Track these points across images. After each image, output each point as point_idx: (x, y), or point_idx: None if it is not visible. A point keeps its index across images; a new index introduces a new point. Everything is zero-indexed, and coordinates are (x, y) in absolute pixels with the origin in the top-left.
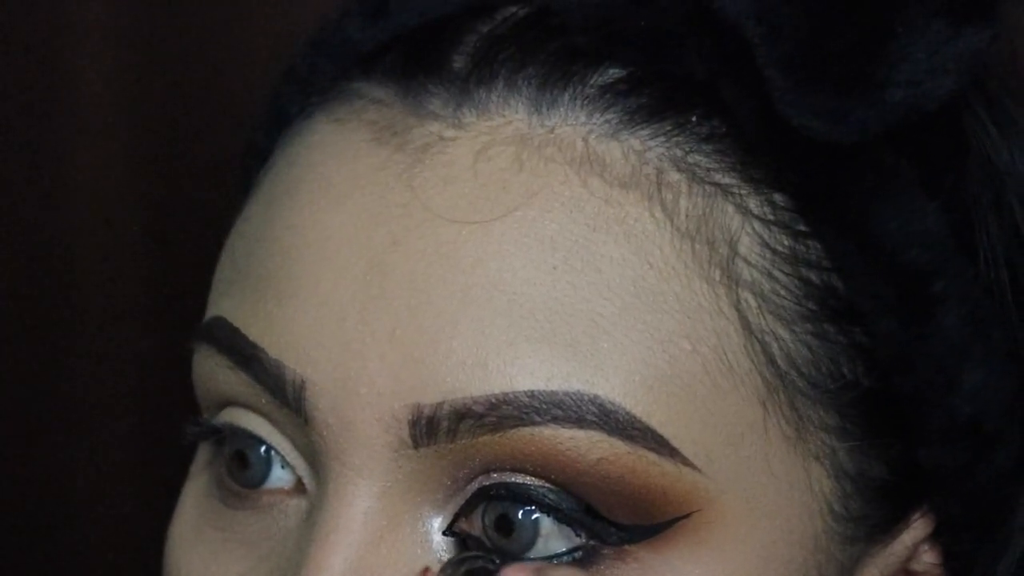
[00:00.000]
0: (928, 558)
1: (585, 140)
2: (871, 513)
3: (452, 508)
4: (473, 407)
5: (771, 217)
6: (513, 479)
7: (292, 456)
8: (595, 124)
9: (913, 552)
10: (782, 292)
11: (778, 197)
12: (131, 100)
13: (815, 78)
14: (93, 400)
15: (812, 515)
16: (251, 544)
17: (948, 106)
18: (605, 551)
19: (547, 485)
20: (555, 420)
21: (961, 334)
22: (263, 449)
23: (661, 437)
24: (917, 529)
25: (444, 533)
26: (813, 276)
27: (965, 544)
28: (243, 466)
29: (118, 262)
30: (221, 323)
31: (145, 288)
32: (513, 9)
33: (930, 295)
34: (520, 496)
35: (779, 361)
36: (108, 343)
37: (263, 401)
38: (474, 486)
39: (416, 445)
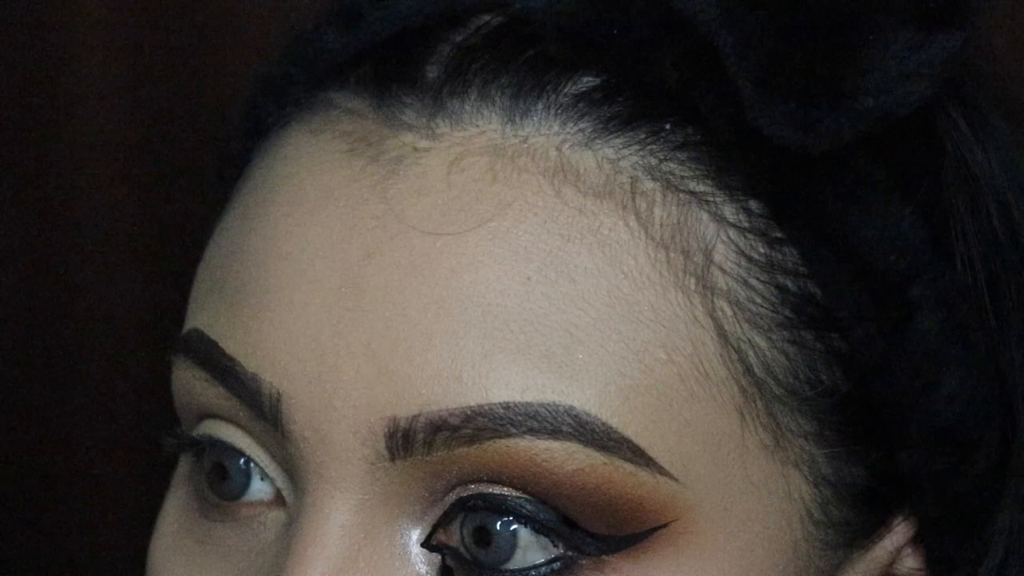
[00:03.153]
0: (911, 562)
1: (559, 149)
2: (852, 519)
3: (430, 520)
4: (449, 419)
5: (746, 224)
6: (491, 490)
7: (271, 468)
8: (568, 133)
9: (895, 556)
10: (758, 300)
11: (753, 204)
12: (131, 100)
13: (785, 87)
14: (93, 400)
15: (792, 522)
16: (230, 557)
17: (921, 111)
18: (583, 562)
19: (524, 496)
20: (531, 432)
21: (939, 339)
22: (242, 461)
23: (637, 447)
24: (899, 534)
25: (422, 545)
26: (789, 283)
27: (947, 548)
28: (222, 478)
29: (118, 263)
30: (198, 335)
31: (145, 288)
32: (486, 18)
33: (907, 300)
34: (498, 507)
35: (756, 369)
36: (108, 344)
37: (241, 414)
38: (452, 497)
39: (392, 458)
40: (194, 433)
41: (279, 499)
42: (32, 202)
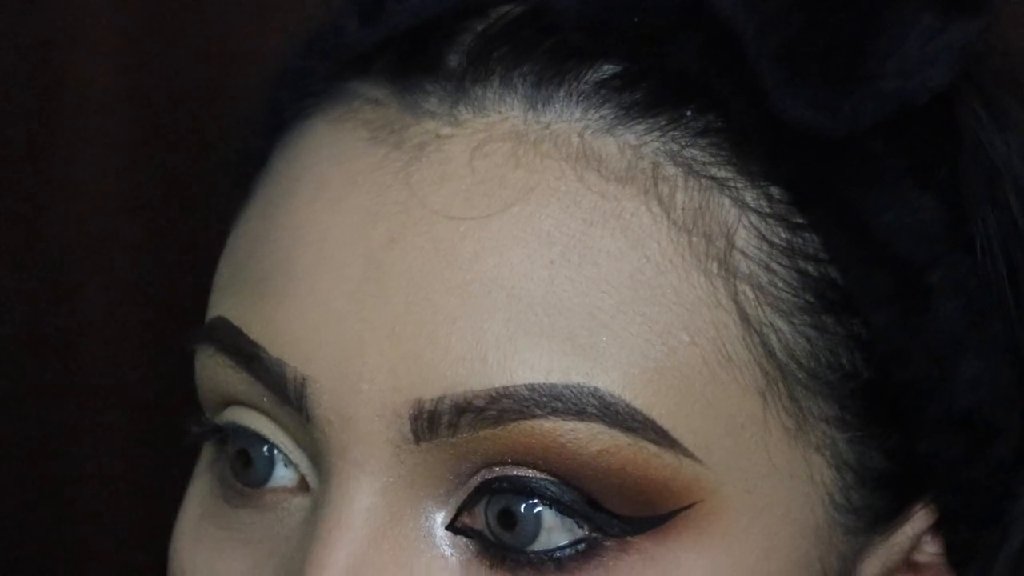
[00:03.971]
0: (930, 549)
1: (581, 136)
2: (872, 504)
3: (455, 503)
4: (474, 401)
5: (767, 210)
6: (515, 472)
7: (295, 454)
8: (590, 120)
9: (915, 543)
10: (780, 284)
11: (774, 190)
12: (131, 100)
13: (807, 71)
14: (92, 400)
15: (814, 506)
16: (254, 543)
17: (940, 98)
18: (608, 543)
19: (549, 478)
20: (555, 413)
21: (958, 325)
22: (266, 448)
23: (661, 428)
24: (919, 520)
25: (447, 528)
26: (810, 268)
27: (966, 534)
28: (246, 465)
29: (118, 263)
30: (222, 323)
31: (145, 289)
32: (507, 8)
33: (927, 286)
34: (522, 489)
35: (778, 352)
36: (107, 343)
37: (264, 400)
38: (476, 480)
39: (417, 440)
40: (217, 420)
41: (303, 485)
42: (31, 201)
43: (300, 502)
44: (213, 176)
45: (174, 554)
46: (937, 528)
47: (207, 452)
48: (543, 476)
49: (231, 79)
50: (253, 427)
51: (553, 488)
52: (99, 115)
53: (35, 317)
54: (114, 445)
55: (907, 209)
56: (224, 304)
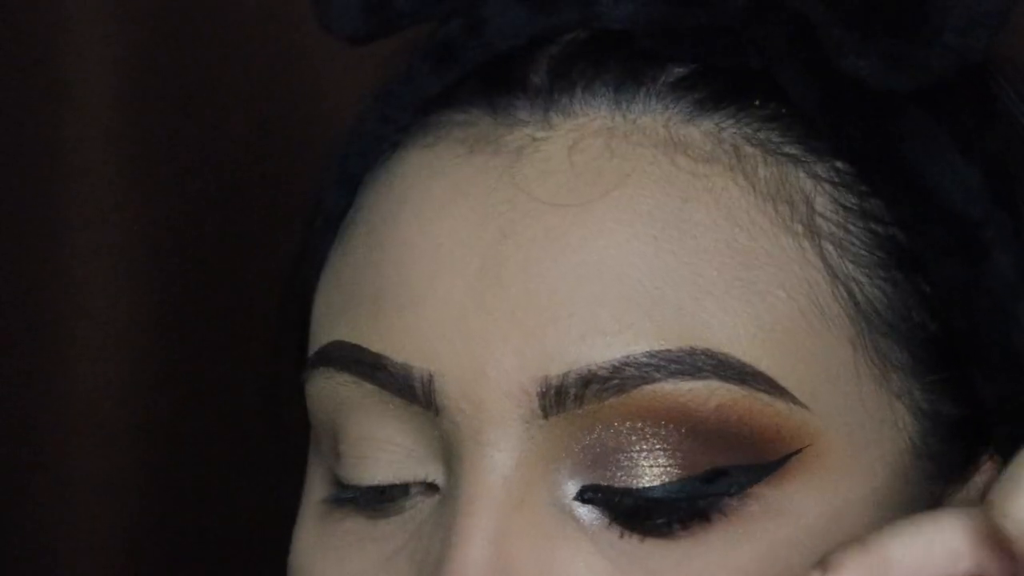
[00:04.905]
0: None
1: (666, 127)
2: (947, 451)
3: (583, 476)
4: (598, 372)
5: (837, 180)
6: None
7: (417, 459)
8: (672, 113)
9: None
10: (856, 243)
11: (839, 164)
12: (131, 100)
13: (875, 27)
14: (92, 400)
15: (901, 450)
16: (385, 540)
17: (977, 73)
18: (729, 499)
19: (669, 446)
20: (673, 375)
21: (1012, 275)
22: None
23: (771, 379)
24: (986, 472)
25: (575, 499)
26: (879, 229)
27: None
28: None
29: (118, 262)
30: (338, 345)
31: (145, 288)
32: (574, 34)
33: (982, 239)
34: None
35: (861, 304)
36: (107, 343)
37: (390, 406)
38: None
39: (546, 415)
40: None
41: (432, 487)
42: (31, 196)
43: (430, 501)
44: (214, 175)
45: (296, 568)
46: None
47: (319, 468)
48: (663, 443)
49: (231, 79)
50: (378, 433)
51: (672, 452)
52: (99, 115)
53: (34, 317)
54: (114, 445)
55: (956, 174)
56: (337, 329)
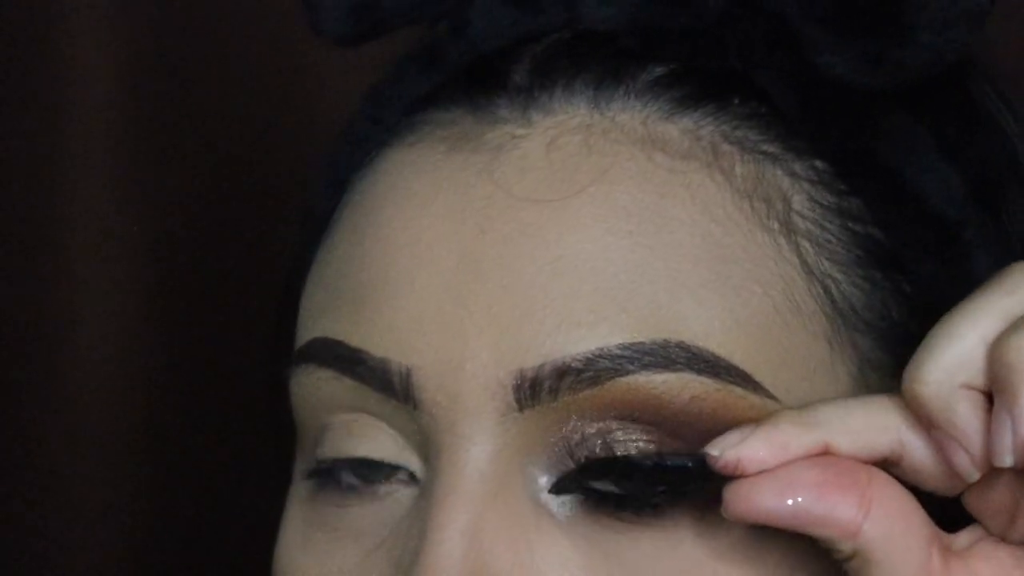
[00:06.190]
0: None
1: (644, 124)
2: None
3: (557, 468)
4: (572, 364)
5: (815, 179)
6: (610, 434)
7: (402, 449)
8: (650, 111)
9: None
10: (833, 240)
11: (818, 163)
12: (131, 100)
13: (851, 26)
14: (92, 401)
15: None
16: (364, 536)
17: (957, 76)
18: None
19: (643, 437)
20: (647, 367)
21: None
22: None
23: (745, 373)
24: None
25: (550, 491)
26: (858, 228)
27: None
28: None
29: (118, 262)
30: (321, 341)
31: (144, 288)
32: (558, 35)
33: (963, 240)
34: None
35: (838, 301)
36: (107, 343)
37: (370, 402)
38: (576, 445)
39: (521, 408)
40: (320, 456)
41: (412, 479)
42: (31, 196)
43: (409, 492)
44: (215, 175)
45: (280, 569)
46: None
47: (302, 464)
48: (638, 435)
49: (231, 79)
50: (358, 429)
51: (647, 443)
52: (99, 115)
53: (33, 317)
54: (114, 445)
55: (936, 174)
56: (319, 326)
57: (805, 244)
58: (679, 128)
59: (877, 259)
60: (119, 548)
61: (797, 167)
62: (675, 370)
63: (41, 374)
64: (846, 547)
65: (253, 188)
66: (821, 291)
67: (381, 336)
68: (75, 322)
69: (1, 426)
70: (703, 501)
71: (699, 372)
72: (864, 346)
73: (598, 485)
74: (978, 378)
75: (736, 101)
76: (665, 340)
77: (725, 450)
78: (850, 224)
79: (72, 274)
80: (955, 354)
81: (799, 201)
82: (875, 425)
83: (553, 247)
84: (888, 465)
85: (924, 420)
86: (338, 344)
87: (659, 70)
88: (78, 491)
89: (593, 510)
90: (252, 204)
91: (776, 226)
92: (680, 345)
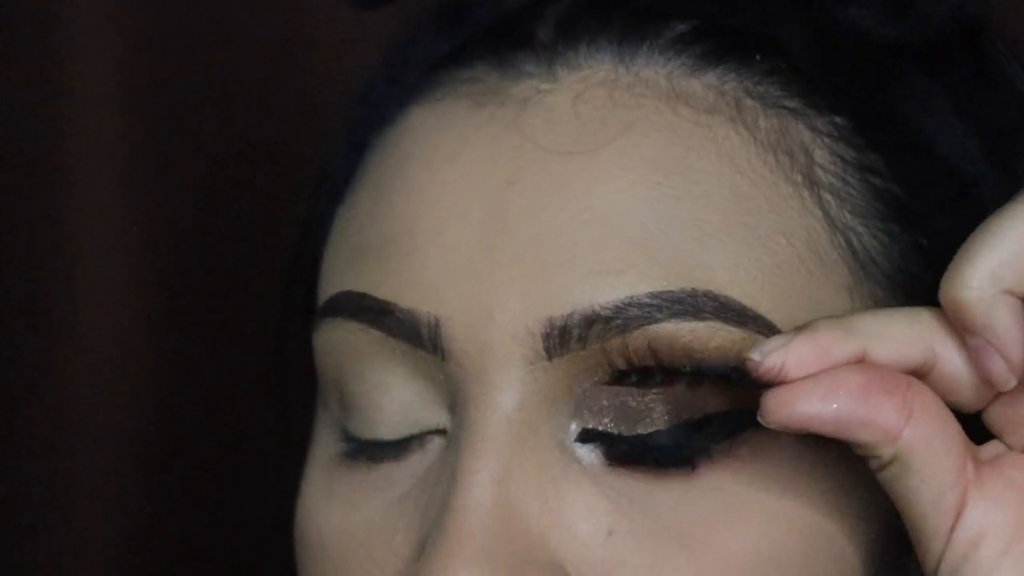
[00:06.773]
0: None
1: (668, 79)
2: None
3: (582, 418)
4: (601, 312)
5: (836, 134)
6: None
7: (426, 401)
8: (674, 66)
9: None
10: (854, 193)
11: (838, 119)
12: (132, 101)
13: None
14: (92, 401)
15: None
16: (392, 486)
17: (976, 38)
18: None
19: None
20: (675, 316)
21: None
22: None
23: (770, 322)
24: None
25: (576, 440)
26: (877, 182)
27: None
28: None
29: (118, 262)
30: (346, 295)
31: (144, 288)
32: None
33: (978, 197)
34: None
35: (859, 253)
36: (107, 343)
37: (397, 352)
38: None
39: (550, 356)
40: (349, 429)
41: (439, 430)
42: (31, 195)
43: (439, 442)
44: (215, 174)
45: (304, 523)
46: None
47: (326, 418)
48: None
49: (231, 79)
50: (385, 380)
51: (674, 396)
52: (100, 115)
53: (33, 317)
54: (114, 445)
55: (953, 132)
56: (345, 280)
57: (827, 197)
58: (703, 83)
59: (896, 213)
60: (119, 548)
61: (818, 122)
62: (703, 319)
63: (41, 374)
64: (887, 452)
65: (253, 188)
66: (843, 243)
67: (409, 288)
68: (75, 322)
69: (1, 426)
70: (729, 447)
71: (726, 321)
72: (882, 297)
73: (625, 441)
74: (1020, 284)
75: (758, 57)
76: (693, 289)
77: (767, 355)
78: (870, 178)
79: (72, 274)
80: (998, 259)
81: (821, 155)
82: (910, 334)
83: (582, 198)
84: (918, 376)
85: (963, 326)
86: (364, 296)
87: (681, 27)
88: (78, 491)
89: (620, 460)
90: (252, 204)
91: (799, 179)
92: (708, 294)
